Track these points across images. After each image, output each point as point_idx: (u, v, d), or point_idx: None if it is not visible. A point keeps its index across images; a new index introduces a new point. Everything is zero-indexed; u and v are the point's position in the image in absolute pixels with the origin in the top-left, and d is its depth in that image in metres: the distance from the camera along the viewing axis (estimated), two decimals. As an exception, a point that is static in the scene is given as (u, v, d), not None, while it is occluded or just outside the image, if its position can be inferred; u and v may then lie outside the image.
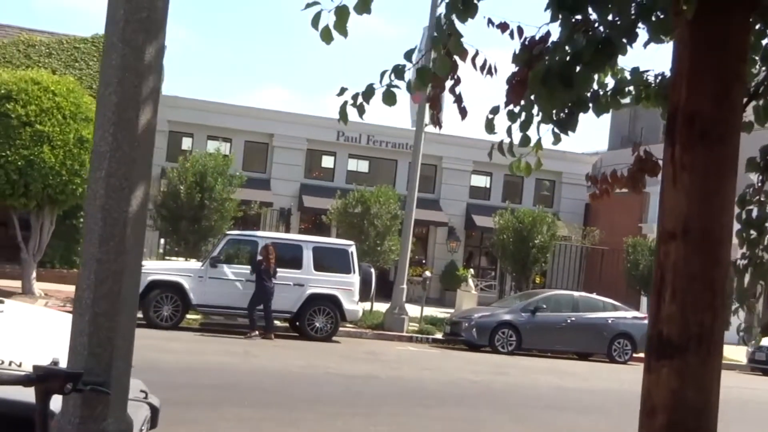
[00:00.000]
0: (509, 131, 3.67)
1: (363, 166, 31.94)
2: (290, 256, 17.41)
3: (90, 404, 3.32)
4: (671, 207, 3.65)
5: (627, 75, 4.23)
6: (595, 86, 4.15)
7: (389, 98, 3.21)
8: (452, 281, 29.61)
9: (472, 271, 28.69)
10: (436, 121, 3.66)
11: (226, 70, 76.28)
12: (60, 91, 17.86)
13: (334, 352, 15.29)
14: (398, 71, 3.14)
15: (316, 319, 17.23)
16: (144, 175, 3.46)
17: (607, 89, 4.19)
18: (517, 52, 3.81)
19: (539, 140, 4.14)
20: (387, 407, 9.66)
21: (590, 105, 3.96)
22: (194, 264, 17.48)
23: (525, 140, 3.67)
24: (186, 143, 28.89)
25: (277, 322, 18.50)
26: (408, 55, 3.15)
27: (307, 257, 17.32)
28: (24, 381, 3.06)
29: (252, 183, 26.88)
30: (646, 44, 3.91)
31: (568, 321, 19.43)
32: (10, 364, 4.55)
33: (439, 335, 20.11)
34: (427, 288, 22.48)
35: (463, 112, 3.76)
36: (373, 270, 18.73)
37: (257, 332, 16.18)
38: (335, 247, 18.05)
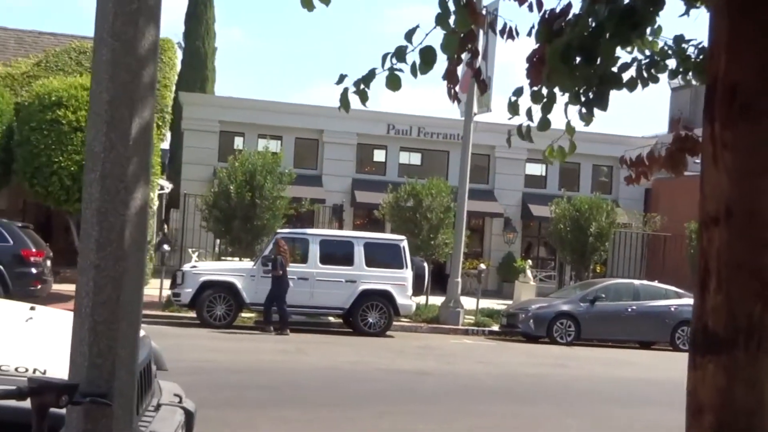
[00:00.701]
0: (529, 113, 3.39)
1: (415, 158, 31.65)
2: (342, 253, 17.30)
3: (92, 417, 3.17)
4: (712, 189, 3.32)
5: (666, 45, 3.90)
6: (629, 60, 3.86)
7: (393, 82, 2.97)
8: (510, 273, 29.18)
9: (530, 261, 28.16)
10: (453, 95, 3.41)
11: (279, 69, 76.81)
12: (109, 96, 18.04)
13: (387, 348, 15.10)
14: (399, 53, 2.90)
15: (369, 315, 17.09)
16: (141, 175, 3.29)
17: (642, 63, 3.87)
18: (536, 26, 3.55)
19: (569, 122, 3.87)
20: (437, 404, 9.43)
21: (622, 81, 3.67)
22: (246, 263, 17.49)
23: (544, 123, 3.38)
24: (238, 143, 29.00)
25: (330, 318, 18.46)
26: (409, 36, 2.90)
27: (359, 253, 17.17)
28: (16, 395, 2.92)
29: (304, 180, 26.84)
30: (686, 12, 3.61)
31: (629, 310, 18.90)
32: (34, 371, 4.44)
33: (495, 327, 19.78)
34: (482, 280, 22.12)
35: (482, 86, 3.50)
36: (425, 264, 18.50)
37: (272, 328, 16.16)
38: (387, 242, 17.88)
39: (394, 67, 2.93)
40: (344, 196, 28.99)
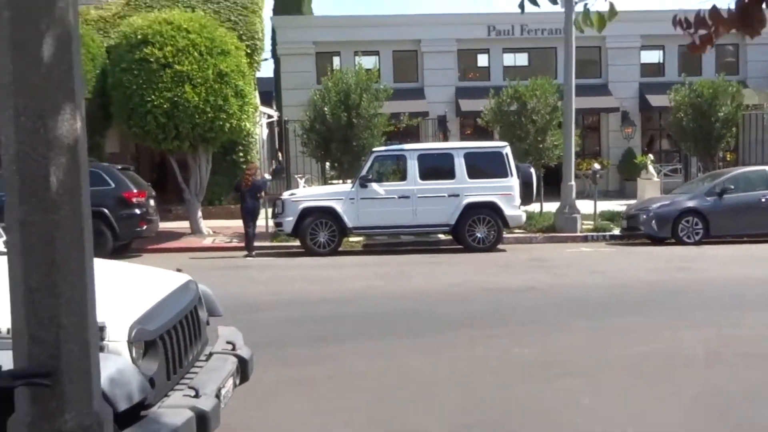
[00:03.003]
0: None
1: (521, 59, 30.07)
2: (442, 166, 16.55)
3: (40, 400, 2.68)
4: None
5: None
6: None
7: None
8: (632, 170, 27.55)
9: (651, 156, 26.38)
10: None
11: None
12: (193, 28, 17.75)
13: (496, 263, 14.39)
14: None
15: (477, 229, 16.37)
16: (65, 107, 2.68)
17: None
18: None
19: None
20: (539, 324, 8.70)
21: None
22: (345, 186, 17.03)
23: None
24: (335, 63, 28.33)
25: (441, 237, 17.85)
26: None
27: (460, 165, 16.36)
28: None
29: (405, 94, 26.02)
30: None
31: (763, 200, 17.31)
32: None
33: (617, 231, 18.66)
34: (597, 181, 20.87)
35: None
36: (533, 170, 17.47)
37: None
38: (488, 150, 16.89)
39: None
40: (448, 106, 27.97)
